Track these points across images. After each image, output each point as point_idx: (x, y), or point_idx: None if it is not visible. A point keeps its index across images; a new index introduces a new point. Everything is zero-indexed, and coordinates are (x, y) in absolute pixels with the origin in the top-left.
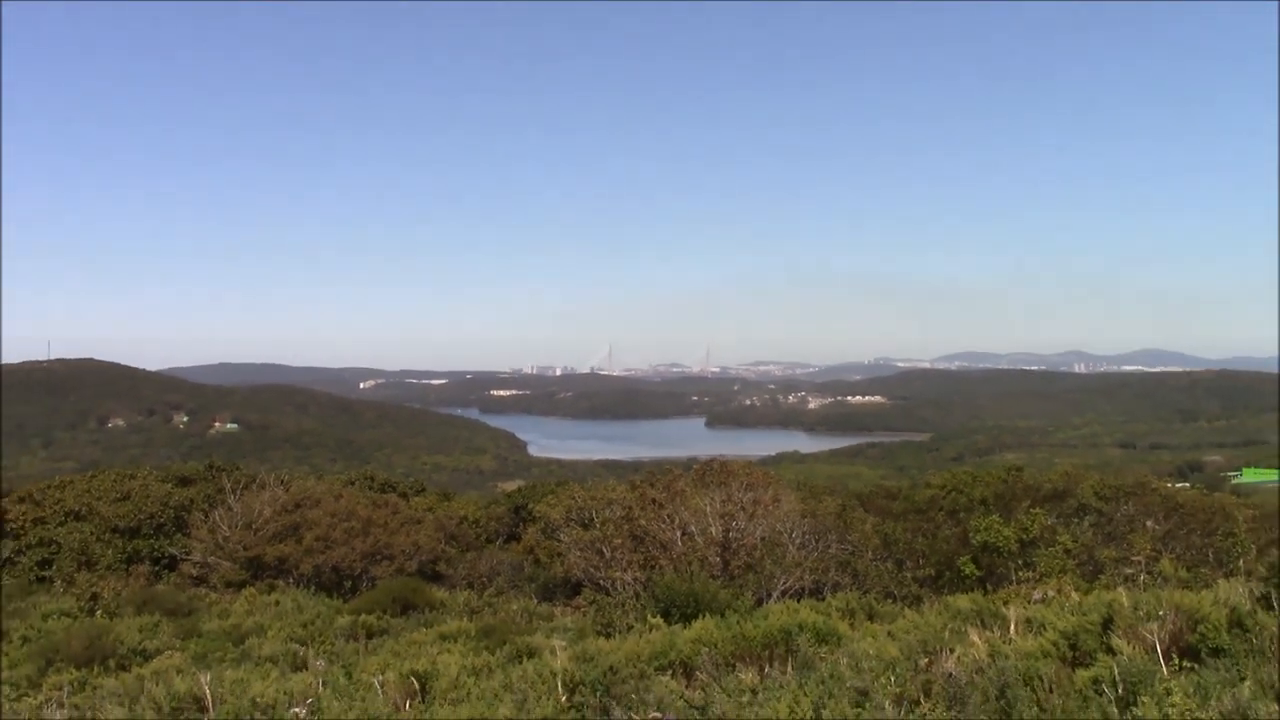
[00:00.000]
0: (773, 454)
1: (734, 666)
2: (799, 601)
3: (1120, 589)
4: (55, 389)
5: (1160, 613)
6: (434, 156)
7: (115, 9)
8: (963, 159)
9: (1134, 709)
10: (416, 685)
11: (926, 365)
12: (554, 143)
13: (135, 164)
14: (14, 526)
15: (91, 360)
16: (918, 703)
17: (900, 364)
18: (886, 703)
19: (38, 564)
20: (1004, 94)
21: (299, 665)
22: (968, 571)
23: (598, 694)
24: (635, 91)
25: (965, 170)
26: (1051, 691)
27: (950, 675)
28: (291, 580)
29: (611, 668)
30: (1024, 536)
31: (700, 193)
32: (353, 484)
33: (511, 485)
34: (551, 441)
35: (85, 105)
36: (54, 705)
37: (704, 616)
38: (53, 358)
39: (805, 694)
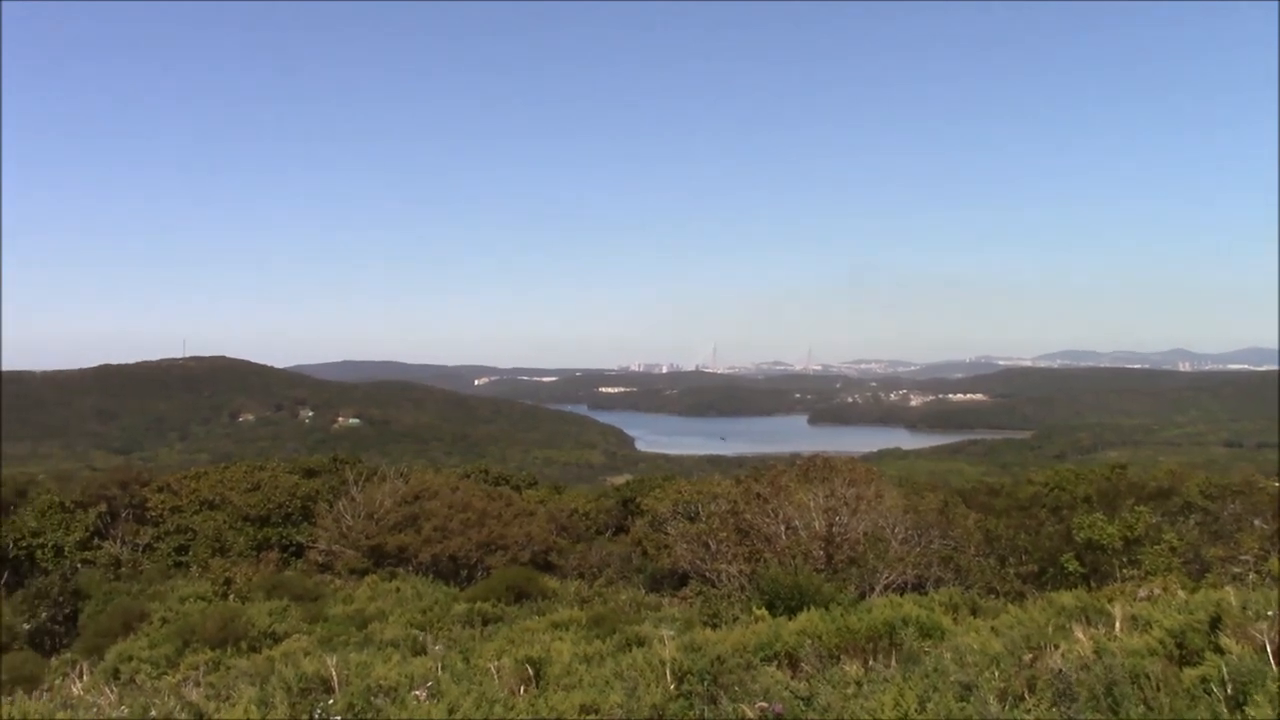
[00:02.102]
0: (874, 451)
1: (838, 659)
2: (902, 596)
3: (1228, 588)
4: (191, 385)
5: (1270, 612)
6: (547, 159)
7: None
8: (1067, 156)
9: (1245, 709)
10: (531, 671)
11: (1028, 363)
12: (663, 144)
13: (263, 171)
14: (154, 514)
15: (224, 358)
16: (1022, 698)
17: (1002, 362)
18: (991, 698)
19: (175, 550)
20: (1105, 88)
21: (419, 650)
22: (1071, 568)
23: (705, 683)
24: (741, 92)
25: (1069, 168)
26: (1159, 690)
27: (1056, 672)
28: (411, 568)
29: (718, 658)
30: (1128, 534)
31: (804, 192)
32: (468, 477)
33: (620, 479)
34: (658, 437)
35: (231, 118)
36: (191, 684)
37: (808, 609)
38: (188, 356)
39: (909, 687)
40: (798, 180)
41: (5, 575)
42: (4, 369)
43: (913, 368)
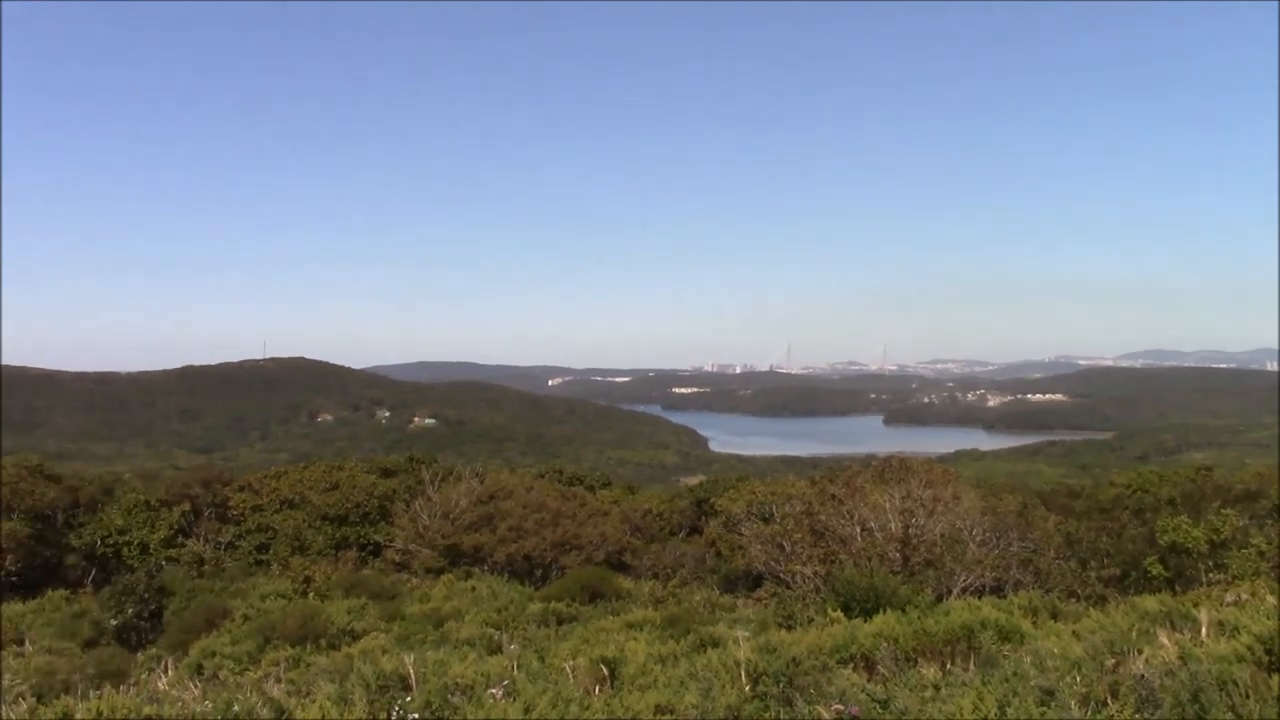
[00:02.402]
0: (951, 451)
1: (915, 662)
2: (980, 599)
3: None
4: (271, 386)
5: None
6: (617, 159)
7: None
8: (1150, 153)
9: None
10: (605, 671)
11: (1109, 363)
12: (740, 143)
13: (340, 174)
14: (235, 513)
15: (302, 359)
16: (1105, 704)
17: (1082, 361)
18: (1073, 702)
19: (256, 548)
20: (1194, 82)
21: (494, 649)
22: (1155, 572)
23: (780, 685)
24: (815, 89)
25: (1152, 163)
26: (1247, 697)
27: (1140, 677)
28: (486, 568)
29: (794, 659)
30: (1214, 538)
31: (878, 191)
32: (543, 477)
33: (693, 480)
34: (732, 438)
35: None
36: (272, 680)
37: (884, 611)
38: (268, 357)
39: (989, 691)
40: (873, 179)
41: (94, 572)
42: (93, 370)
43: (990, 367)
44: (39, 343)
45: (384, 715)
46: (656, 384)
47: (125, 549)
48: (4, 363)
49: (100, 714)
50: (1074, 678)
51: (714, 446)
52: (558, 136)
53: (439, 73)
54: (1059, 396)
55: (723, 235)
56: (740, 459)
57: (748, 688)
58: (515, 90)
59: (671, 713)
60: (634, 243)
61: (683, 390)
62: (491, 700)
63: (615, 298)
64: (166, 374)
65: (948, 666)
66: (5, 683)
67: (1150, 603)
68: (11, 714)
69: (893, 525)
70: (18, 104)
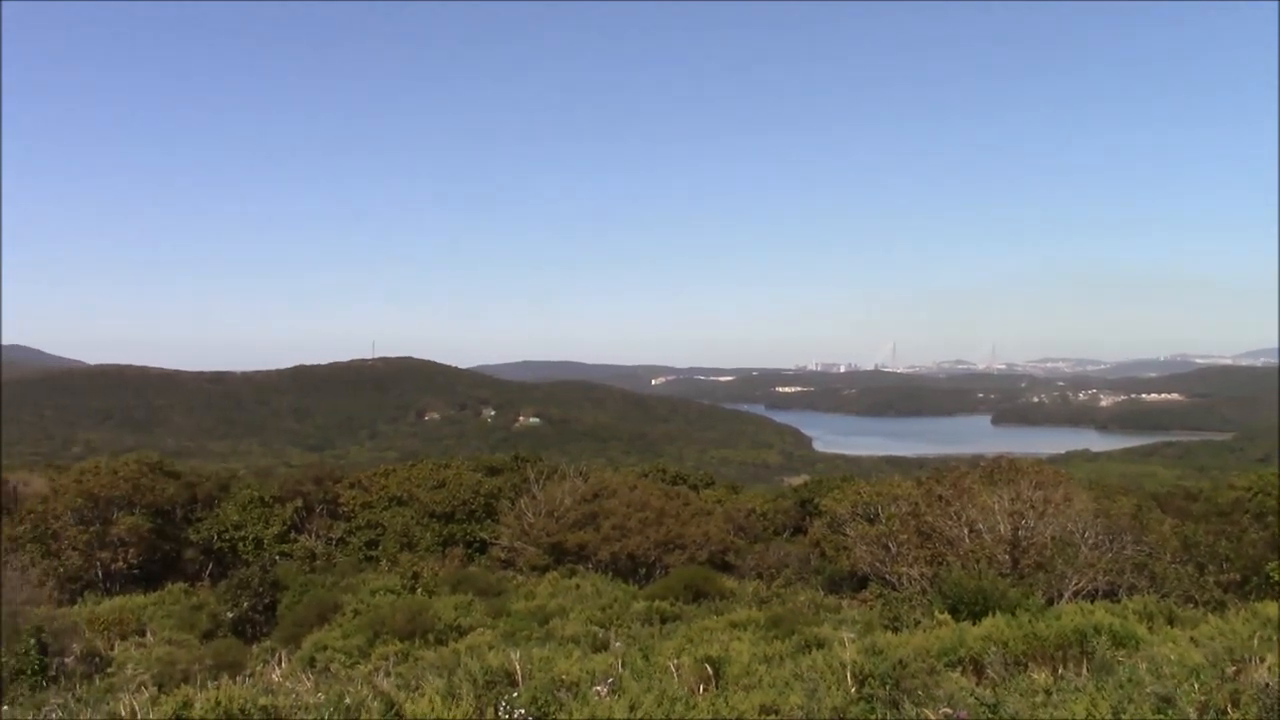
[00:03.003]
0: (1062, 452)
1: (1025, 666)
2: (1092, 603)
3: None
4: (379, 385)
5: None
6: (720, 157)
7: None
8: (1265, 141)
9: None
10: (710, 671)
11: (1228, 361)
12: (841, 142)
13: (444, 176)
14: (345, 510)
15: (410, 359)
16: (1225, 712)
17: (1199, 360)
18: (1191, 710)
19: (366, 544)
20: None
21: (599, 646)
22: (1278, 578)
23: (887, 687)
24: (911, 86)
25: (1265, 157)
26: None
27: (1263, 686)
28: (590, 566)
29: (900, 662)
30: None
31: (984, 187)
32: (646, 476)
33: (797, 480)
34: (836, 437)
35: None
36: (382, 674)
37: (993, 614)
38: (376, 356)
39: (1103, 697)
40: (983, 174)
41: (210, 566)
42: (209, 370)
43: (1102, 366)
44: (159, 343)
45: (491, 711)
46: (760, 383)
47: (241, 544)
48: (127, 363)
49: (219, 704)
50: (1192, 685)
51: (818, 446)
52: (669, 136)
53: (538, 73)
54: (1175, 396)
55: (827, 233)
56: (845, 459)
57: (853, 689)
58: (634, 91)
59: (776, 713)
60: (739, 242)
61: (786, 389)
62: (597, 697)
63: (719, 296)
64: (279, 374)
65: (1059, 671)
66: (129, 672)
67: (1273, 609)
68: (135, 702)
69: (1002, 527)
70: (152, 109)
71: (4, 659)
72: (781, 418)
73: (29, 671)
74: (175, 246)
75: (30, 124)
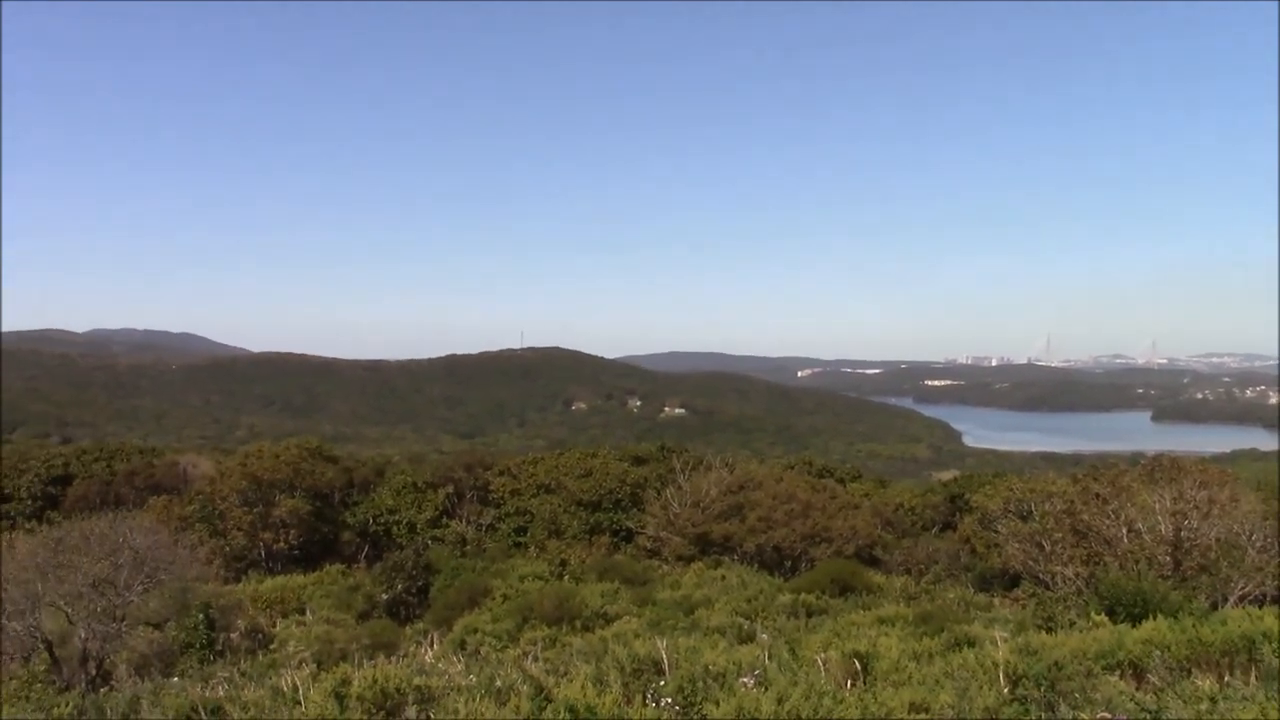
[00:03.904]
0: (1227, 451)
1: (1189, 671)
2: (1261, 608)
3: None
4: (528, 374)
5: None
6: (869, 143)
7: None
8: None
9: None
10: (858, 666)
11: None
12: (993, 130)
13: (596, 169)
14: (495, 496)
15: (558, 349)
16: None
17: None
18: None
19: (514, 530)
20: None
21: (745, 638)
22: None
23: (1042, 689)
24: (1069, 77)
25: None
26: None
27: None
28: (735, 557)
29: (1056, 663)
30: None
31: (1144, 175)
32: (792, 468)
33: (946, 474)
34: (987, 432)
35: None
36: (530, 658)
37: (1153, 617)
38: (525, 346)
39: (1272, 706)
40: (1142, 163)
41: (366, 548)
42: (366, 358)
43: (1271, 362)
44: (316, 332)
45: (639, 699)
46: (908, 376)
47: (395, 527)
48: (288, 351)
49: (375, 683)
50: None
51: (968, 441)
52: (812, 127)
53: (688, 61)
54: None
55: (978, 225)
56: (996, 454)
57: (1006, 690)
58: (778, 79)
59: (926, 711)
60: (888, 233)
61: (936, 383)
62: (743, 689)
63: (867, 288)
64: (431, 362)
65: (1225, 678)
66: (290, 649)
67: None
68: (296, 678)
69: (1162, 527)
70: (323, 105)
71: (175, 633)
72: (930, 411)
73: (198, 645)
74: (335, 238)
75: (203, 124)
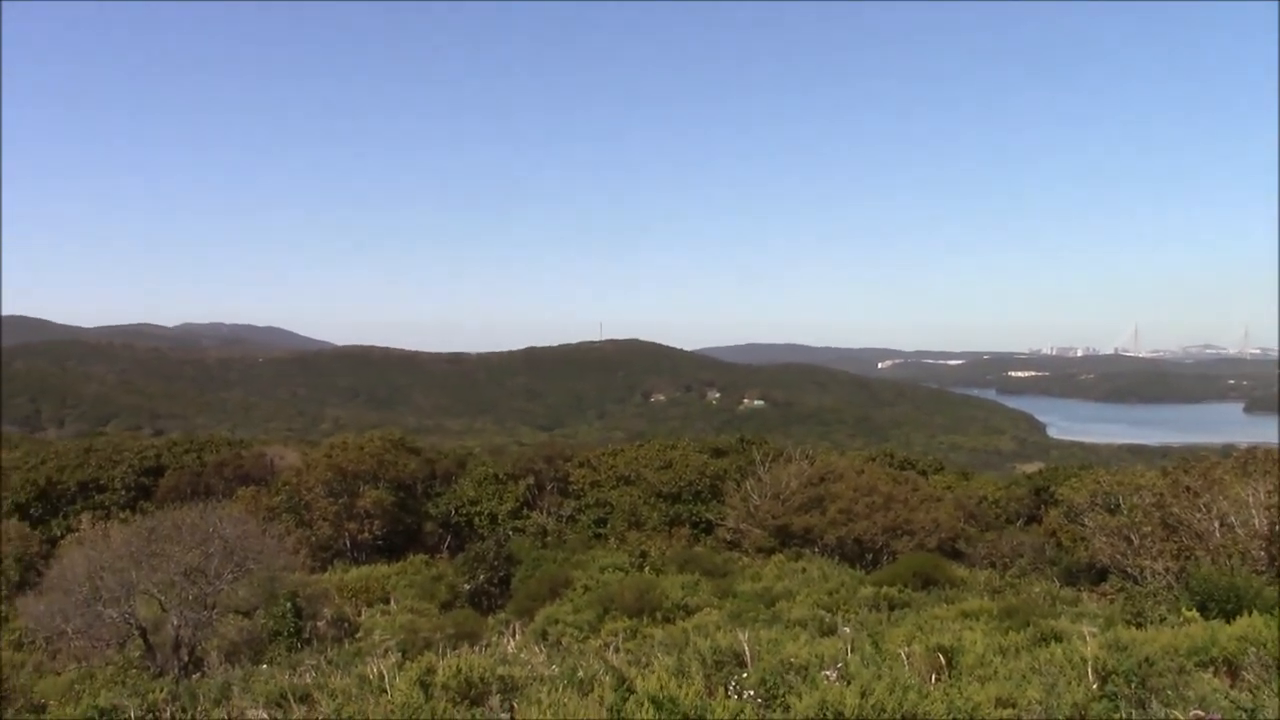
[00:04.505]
0: None
1: None
2: None
3: None
4: (607, 366)
5: None
6: (944, 132)
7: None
8: None
9: None
10: (942, 660)
11: None
12: (1080, 114)
13: (678, 164)
14: (575, 488)
15: (637, 341)
16: None
17: None
18: None
19: (595, 522)
20: None
21: (827, 630)
22: None
23: (1132, 685)
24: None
25: None
26: None
27: None
28: (816, 549)
29: (1146, 659)
30: None
31: (1237, 162)
32: (873, 460)
33: (1030, 467)
34: (1072, 424)
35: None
36: (612, 649)
37: (1248, 614)
38: (604, 339)
39: None
40: (1229, 149)
41: (448, 539)
42: (447, 351)
43: None
44: (400, 325)
45: (721, 690)
46: (991, 367)
47: (476, 518)
48: (371, 344)
49: (459, 672)
50: None
51: (1052, 433)
52: (892, 120)
53: (763, 61)
54: None
55: (1065, 211)
56: (1081, 446)
57: (1095, 686)
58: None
59: (1013, 707)
60: (968, 222)
61: (1019, 374)
62: (826, 682)
63: (950, 278)
64: (511, 355)
65: None
66: (376, 637)
67: None
68: (382, 666)
69: (1257, 521)
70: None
71: (264, 621)
72: (1013, 403)
73: (285, 633)
74: (417, 233)
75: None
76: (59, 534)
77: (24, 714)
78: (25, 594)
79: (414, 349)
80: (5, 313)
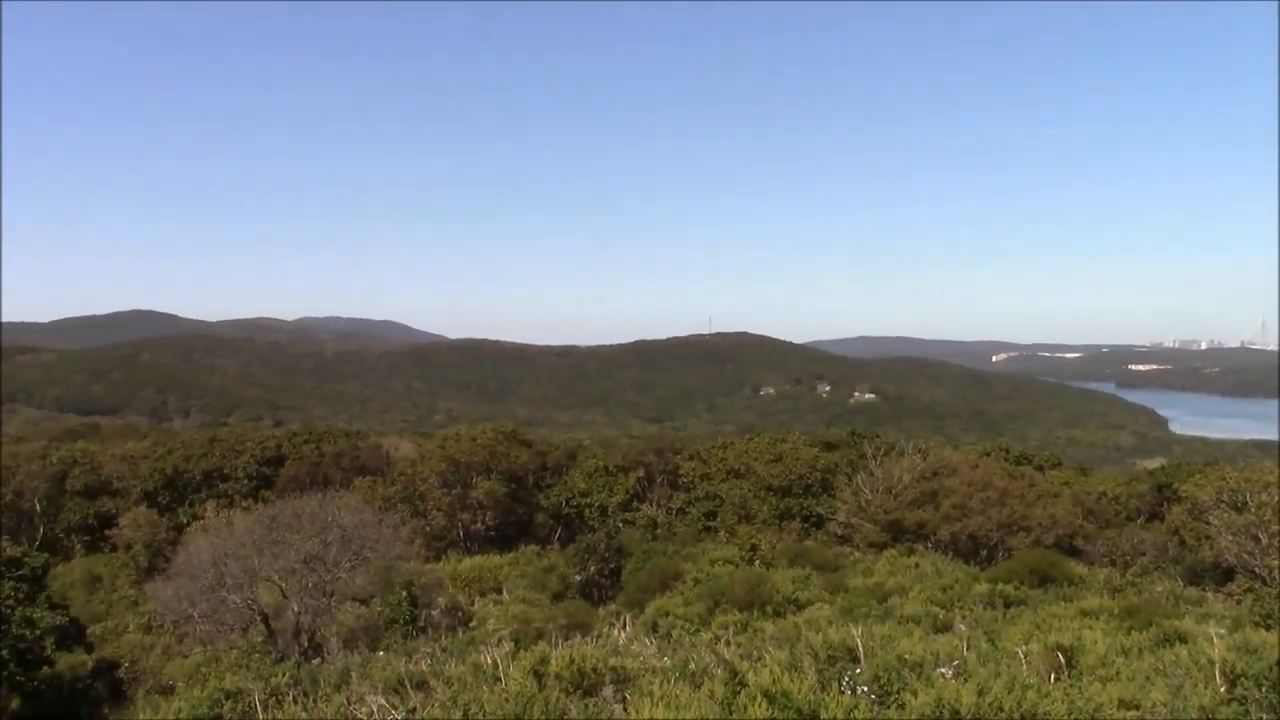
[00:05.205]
0: None
1: None
2: None
3: None
4: (717, 359)
5: None
6: (1066, 120)
7: None
8: None
9: None
10: (1061, 659)
11: None
12: (1198, 111)
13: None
14: (685, 481)
15: (746, 334)
16: None
17: None
18: None
19: (704, 515)
20: None
21: (941, 627)
22: None
23: (1263, 689)
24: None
25: None
26: None
27: None
28: (929, 545)
29: (1278, 662)
30: None
31: None
32: (988, 455)
33: (1152, 463)
34: (1196, 419)
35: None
36: (723, 642)
37: None
38: (713, 331)
39: None
40: None
41: (559, 530)
42: (557, 344)
43: None
44: (512, 318)
45: (834, 686)
46: (1110, 360)
47: (587, 510)
48: (483, 337)
49: (572, 662)
50: None
51: (1175, 428)
52: (999, 119)
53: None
54: None
55: (1186, 200)
56: (1205, 442)
57: (1223, 689)
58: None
59: (1136, 708)
60: (1085, 212)
61: (1140, 367)
62: (941, 679)
63: (1067, 269)
64: (620, 347)
65: None
66: (489, 627)
67: None
68: (496, 655)
69: None
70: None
71: (380, 608)
72: (1134, 397)
73: (401, 621)
74: (522, 228)
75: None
76: (185, 521)
77: (154, 694)
78: (154, 579)
79: (524, 341)
80: (134, 307)
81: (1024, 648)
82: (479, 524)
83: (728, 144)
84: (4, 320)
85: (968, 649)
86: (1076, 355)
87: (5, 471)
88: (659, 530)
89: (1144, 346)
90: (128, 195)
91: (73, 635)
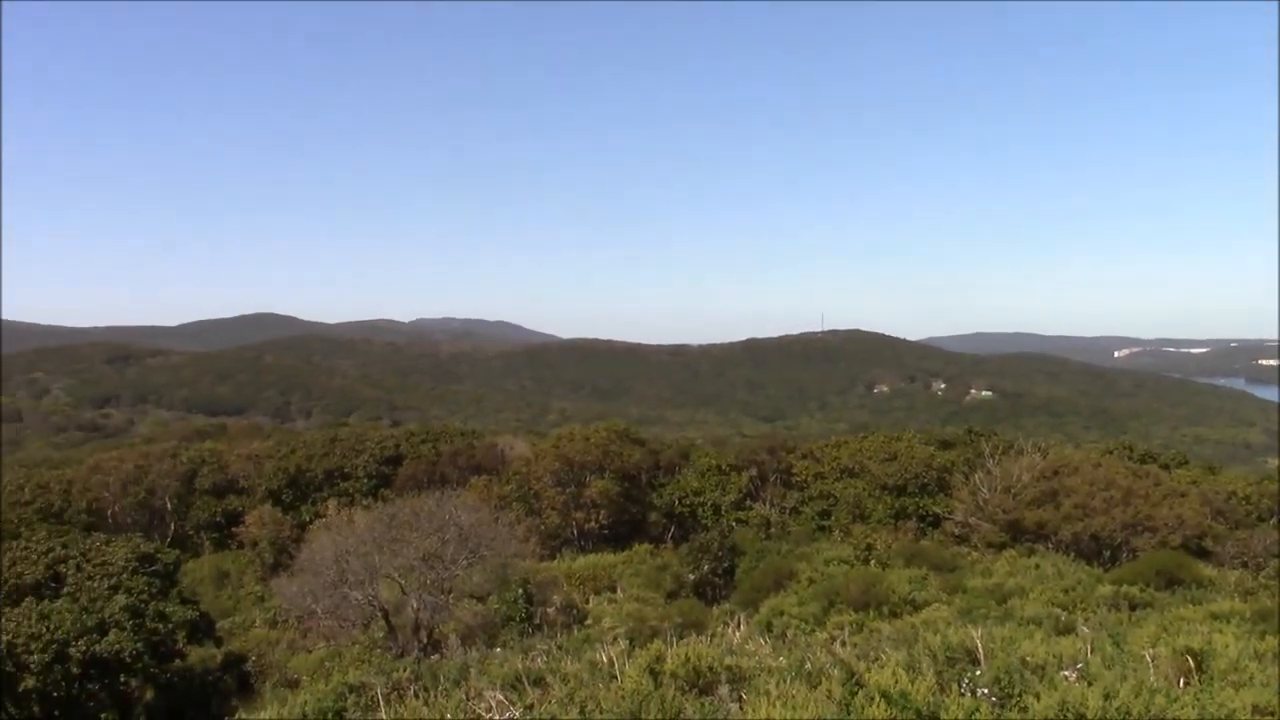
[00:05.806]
0: None
1: None
2: None
3: None
4: (829, 357)
5: None
6: (1190, 103)
7: None
8: None
9: None
10: (1191, 663)
11: None
12: None
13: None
14: (798, 480)
15: (859, 331)
16: None
17: None
18: None
19: (818, 514)
20: None
21: (1063, 629)
22: None
23: None
24: None
25: None
26: None
27: None
28: (1050, 545)
29: None
30: None
31: None
32: (1111, 453)
33: None
34: None
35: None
36: (839, 642)
37: None
38: (826, 329)
39: None
40: None
41: (672, 529)
42: (669, 343)
43: None
44: (624, 317)
45: (955, 687)
46: (1239, 355)
47: (699, 509)
48: (595, 336)
49: (688, 660)
50: None
51: None
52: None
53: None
54: None
55: None
56: None
57: None
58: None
59: (1272, 715)
60: (1215, 201)
61: (1271, 362)
62: (1065, 682)
63: (1192, 260)
64: (732, 346)
65: None
66: (604, 625)
67: None
68: (612, 653)
69: None
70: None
71: (497, 606)
72: (1264, 393)
73: (517, 619)
74: (637, 227)
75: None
76: (308, 519)
77: (280, 688)
78: (278, 575)
79: (637, 341)
80: (258, 310)
81: (1151, 651)
82: (593, 522)
83: (842, 142)
84: (135, 325)
85: (1092, 652)
86: (1203, 350)
87: (138, 471)
88: (772, 529)
89: (1274, 341)
90: (252, 202)
91: (203, 629)
